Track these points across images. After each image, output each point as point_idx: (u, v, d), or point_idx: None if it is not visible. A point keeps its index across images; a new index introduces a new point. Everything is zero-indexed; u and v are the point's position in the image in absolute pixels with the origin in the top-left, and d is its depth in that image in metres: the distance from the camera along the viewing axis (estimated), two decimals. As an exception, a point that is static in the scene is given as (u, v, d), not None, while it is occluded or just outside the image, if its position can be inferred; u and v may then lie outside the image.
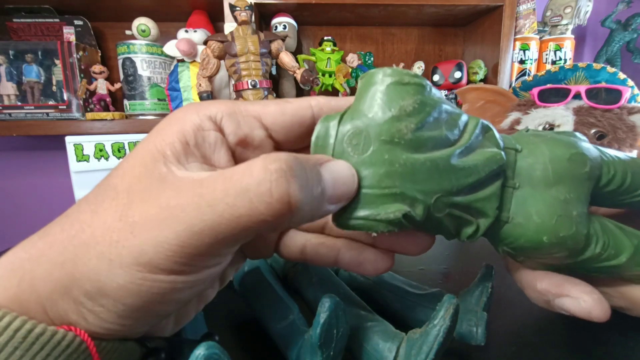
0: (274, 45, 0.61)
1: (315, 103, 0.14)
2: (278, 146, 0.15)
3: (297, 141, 0.14)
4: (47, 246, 0.12)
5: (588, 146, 0.14)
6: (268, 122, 0.14)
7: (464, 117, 0.13)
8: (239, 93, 0.60)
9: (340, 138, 0.12)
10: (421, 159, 0.12)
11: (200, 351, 0.12)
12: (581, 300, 0.15)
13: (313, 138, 0.13)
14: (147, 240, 0.11)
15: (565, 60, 0.75)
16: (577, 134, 0.15)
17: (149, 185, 0.12)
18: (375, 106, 0.12)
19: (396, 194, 0.11)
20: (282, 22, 0.74)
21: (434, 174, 0.12)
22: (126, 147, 0.52)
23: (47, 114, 0.72)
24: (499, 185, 0.13)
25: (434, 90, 0.13)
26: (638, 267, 0.15)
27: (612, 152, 0.15)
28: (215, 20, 0.79)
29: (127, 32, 0.74)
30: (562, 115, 0.46)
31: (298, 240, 0.17)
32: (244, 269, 0.26)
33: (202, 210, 0.10)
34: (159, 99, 0.76)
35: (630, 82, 0.47)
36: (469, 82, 0.77)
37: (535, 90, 0.49)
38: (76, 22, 0.76)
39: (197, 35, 0.71)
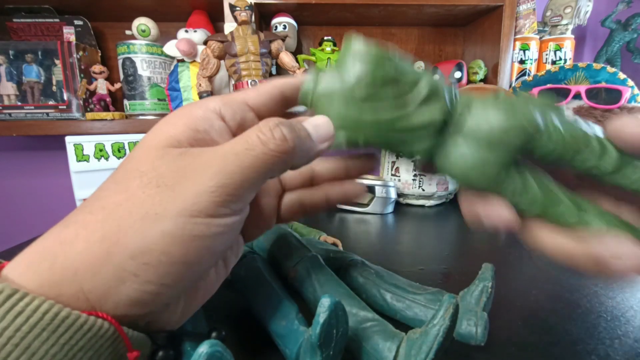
0: (274, 45, 0.61)
1: (280, 83, 0.18)
2: None
3: (275, 114, 0.18)
4: (80, 228, 0.13)
5: (539, 119, 0.15)
6: (252, 104, 0.17)
7: (422, 83, 0.16)
8: (239, 93, 0.60)
9: (316, 94, 0.17)
10: (366, 107, 0.16)
11: (203, 349, 0.12)
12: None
13: (300, 94, 0.17)
14: (188, 191, 0.13)
15: (565, 60, 0.75)
16: (556, 106, 0.16)
17: (172, 160, 0.14)
18: (342, 72, 0.16)
19: (347, 127, 0.16)
20: (282, 22, 0.74)
21: (375, 117, 0.16)
22: (126, 147, 0.52)
23: (47, 114, 0.72)
24: (435, 130, 0.16)
25: (397, 61, 0.16)
26: (548, 217, 0.16)
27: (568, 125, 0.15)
28: (215, 20, 0.79)
29: (127, 32, 0.74)
30: (562, 115, 0.46)
31: (294, 199, 0.21)
32: (243, 269, 0.26)
33: (229, 158, 0.14)
34: (159, 99, 0.76)
35: (630, 82, 0.47)
36: (469, 82, 0.77)
37: (535, 90, 0.49)
38: (76, 22, 0.76)
39: (197, 35, 0.71)
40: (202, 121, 0.15)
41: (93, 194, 0.14)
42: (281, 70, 0.75)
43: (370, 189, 0.54)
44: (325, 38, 0.75)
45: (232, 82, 0.62)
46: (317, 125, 0.16)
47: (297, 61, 0.65)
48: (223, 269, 0.19)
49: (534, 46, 0.75)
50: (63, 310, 0.11)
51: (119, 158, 0.51)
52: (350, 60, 0.16)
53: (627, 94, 0.44)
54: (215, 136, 0.15)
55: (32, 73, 0.71)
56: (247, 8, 0.57)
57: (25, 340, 0.10)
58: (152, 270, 0.13)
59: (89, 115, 0.72)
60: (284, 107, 0.18)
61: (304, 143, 0.15)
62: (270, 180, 0.20)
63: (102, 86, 0.77)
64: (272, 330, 0.20)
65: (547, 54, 0.76)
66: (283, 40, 0.62)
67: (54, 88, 0.72)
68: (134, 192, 0.13)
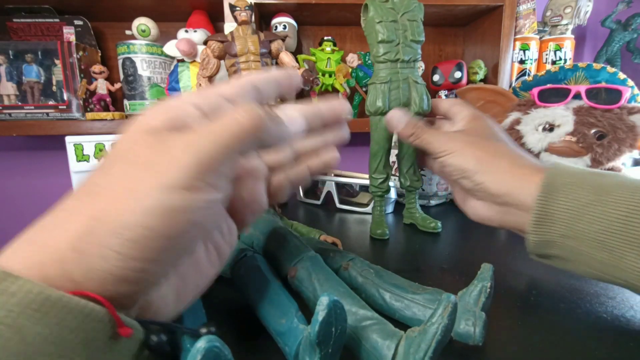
0: (274, 45, 0.61)
1: (255, 79, 0.19)
2: None
3: None
4: (64, 212, 0.14)
5: None
6: (227, 98, 0.18)
7: None
8: (238, 93, 0.60)
9: None
10: None
11: (201, 344, 0.13)
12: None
13: None
14: (169, 167, 0.14)
15: (565, 60, 0.75)
16: None
17: (150, 142, 0.14)
18: None
19: None
20: (282, 22, 0.74)
21: None
22: (126, 147, 0.51)
23: (47, 114, 0.72)
24: None
25: None
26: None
27: None
28: (215, 20, 0.79)
29: (127, 32, 0.74)
30: (562, 115, 0.46)
31: (281, 178, 0.22)
32: (243, 267, 0.26)
33: (207, 136, 0.14)
34: (159, 99, 0.76)
35: (630, 82, 0.47)
36: (469, 82, 0.77)
37: (535, 90, 0.49)
38: (76, 22, 0.76)
39: (197, 35, 0.71)
40: (179, 111, 0.15)
41: (84, 182, 0.15)
42: (281, 70, 0.75)
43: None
44: (325, 38, 0.75)
45: (232, 82, 0.63)
46: (289, 113, 0.18)
47: (297, 61, 0.65)
48: (217, 260, 0.19)
49: (534, 46, 0.75)
50: (51, 291, 0.11)
51: (118, 158, 0.51)
52: None
53: (627, 94, 0.44)
54: (192, 124, 0.16)
55: (32, 73, 0.71)
56: (247, 8, 0.57)
57: (17, 321, 0.10)
58: (135, 246, 0.13)
59: (89, 115, 0.72)
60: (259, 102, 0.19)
61: (275, 121, 0.17)
62: (258, 165, 0.21)
63: (102, 86, 0.77)
64: (272, 328, 0.20)
65: (547, 54, 0.76)
66: (283, 40, 0.62)
67: (54, 88, 0.72)
68: (114, 174, 0.14)
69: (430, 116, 0.38)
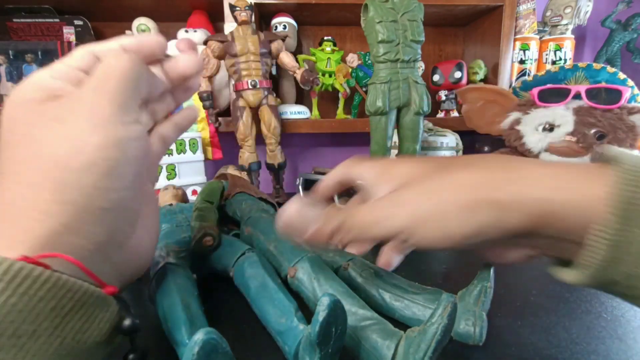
0: (274, 45, 0.61)
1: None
2: None
3: None
4: (12, 182, 0.15)
5: None
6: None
7: None
8: (239, 93, 0.60)
9: None
10: None
11: (199, 336, 0.13)
12: None
13: None
14: (94, 112, 0.16)
15: (565, 60, 0.75)
16: None
17: (54, 106, 0.16)
18: None
19: None
20: (282, 22, 0.74)
21: None
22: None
23: (47, 114, 0.72)
24: None
25: None
26: None
27: None
28: (215, 20, 0.79)
29: (127, 32, 0.74)
30: (562, 115, 0.46)
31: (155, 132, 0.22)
32: (242, 266, 0.26)
33: (104, 81, 0.16)
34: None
35: (630, 82, 0.47)
36: (469, 82, 0.77)
37: (535, 90, 0.49)
38: (76, 22, 0.76)
39: (197, 35, 0.71)
40: (46, 83, 0.16)
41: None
42: (281, 70, 0.75)
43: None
44: (325, 38, 0.75)
45: (232, 82, 0.63)
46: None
47: (297, 61, 0.65)
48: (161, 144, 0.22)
49: (534, 46, 0.75)
50: (15, 263, 0.12)
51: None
52: None
53: (627, 94, 0.44)
54: (64, 91, 0.16)
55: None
56: (247, 8, 0.57)
57: None
58: (108, 178, 0.15)
59: (89, 115, 0.72)
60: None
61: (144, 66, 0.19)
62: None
63: (102, 86, 0.77)
64: (272, 328, 0.21)
65: (547, 54, 0.76)
66: (283, 40, 0.62)
67: (54, 88, 0.72)
68: (43, 134, 0.15)
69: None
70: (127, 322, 0.15)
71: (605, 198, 0.13)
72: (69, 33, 0.76)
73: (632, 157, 0.14)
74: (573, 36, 0.76)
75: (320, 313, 0.15)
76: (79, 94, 0.16)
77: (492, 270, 0.22)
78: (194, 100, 0.66)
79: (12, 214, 0.14)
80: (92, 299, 0.13)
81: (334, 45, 0.75)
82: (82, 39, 0.77)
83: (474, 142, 0.77)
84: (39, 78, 0.16)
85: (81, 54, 0.18)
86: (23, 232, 0.13)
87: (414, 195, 0.16)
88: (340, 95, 0.77)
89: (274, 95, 0.63)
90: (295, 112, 0.71)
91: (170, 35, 0.76)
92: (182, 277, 0.24)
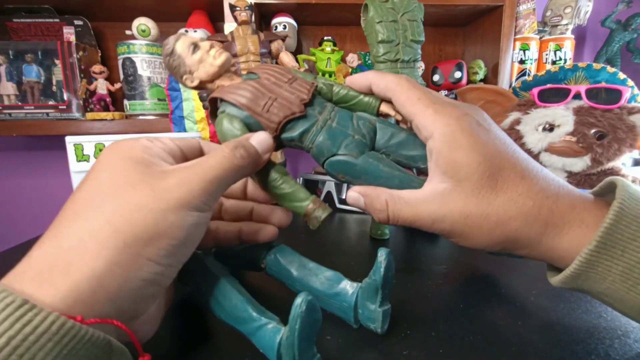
0: (274, 45, 0.61)
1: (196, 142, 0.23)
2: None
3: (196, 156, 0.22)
4: (81, 230, 0.15)
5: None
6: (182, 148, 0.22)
7: None
8: (239, 93, 0.60)
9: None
10: None
11: (302, 297, 0.16)
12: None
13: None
14: (183, 193, 0.17)
15: (565, 60, 0.75)
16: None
17: (154, 170, 0.17)
18: None
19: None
20: (282, 22, 0.74)
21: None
22: (126, 147, 0.51)
23: (47, 114, 0.72)
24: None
25: None
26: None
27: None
28: (215, 20, 0.79)
29: (127, 32, 0.74)
30: (562, 115, 0.46)
31: (211, 227, 0.25)
32: (277, 255, 0.26)
33: (206, 170, 0.18)
34: (159, 99, 0.76)
35: (630, 82, 0.47)
36: (469, 82, 0.77)
37: (535, 90, 0.49)
38: (76, 22, 0.76)
39: (197, 35, 0.71)
40: (151, 147, 0.19)
41: (64, 213, 0.16)
42: (281, 70, 0.75)
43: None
44: (325, 38, 0.75)
45: (232, 82, 0.63)
46: (261, 140, 0.21)
47: (297, 61, 0.65)
48: (173, 285, 0.22)
49: (534, 46, 0.75)
50: (68, 322, 0.12)
51: (119, 158, 0.51)
52: None
53: (627, 94, 0.44)
54: (158, 160, 0.18)
55: (32, 73, 0.71)
56: (247, 8, 0.57)
57: (30, 350, 0.11)
58: (164, 253, 0.16)
59: (89, 115, 0.72)
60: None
61: (254, 157, 0.20)
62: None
63: (102, 86, 0.77)
64: (324, 295, 0.23)
65: (547, 54, 0.76)
66: (283, 40, 0.62)
67: (54, 88, 0.72)
68: (131, 194, 0.16)
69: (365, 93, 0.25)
70: None
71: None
72: (69, 33, 0.76)
73: (629, 194, 0.18)
74: (573, 36, 0.76)
75: (382, 262, 0.21)
76: (176, 170, 0.18)
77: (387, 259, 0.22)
78: (194, 100, 0.66)
79: (62, 257, 0.14)
80: (114, 356, 0.14)
81: (334, 45, 0.75)
82: (82, 39, 0.77)
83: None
84: (144, 141, 0.19)
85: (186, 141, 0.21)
86: (63, 277, 0.13)
87: (469, 208, 0.19)
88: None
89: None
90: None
91: (170, 35, 0.76)
92: (219, 266, 0.24)
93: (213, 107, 0.26)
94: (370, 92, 0.24)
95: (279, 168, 0.23)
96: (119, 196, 0.16)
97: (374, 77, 0.23)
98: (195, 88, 0.25)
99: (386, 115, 0.25)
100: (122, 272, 0.14)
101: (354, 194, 0.22)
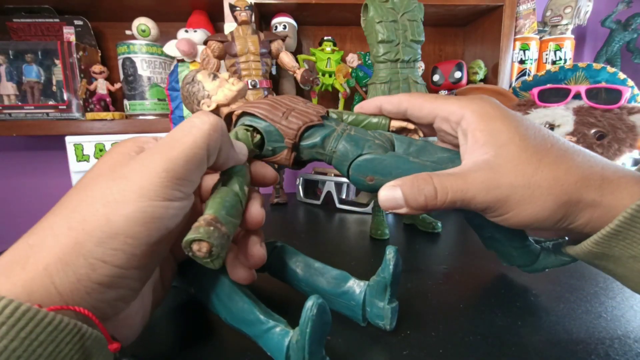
0: (274, 45, 0.61)
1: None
2: None
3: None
4: (47, 229, 0.14)
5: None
6: None
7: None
8: (239, 93, 0.60)
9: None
10: None
11: (313, 300, 0.16)
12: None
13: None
14: (142, 178, 0.14)
15: (565, 60, 0.75)
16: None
17: (125, 161, 0.16)
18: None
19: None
20: (282, 22, 0.74)
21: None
22: (126, 147, 0.51)
23: (47, 114, 0.72)
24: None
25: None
26: None
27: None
28: (215, 20, 0.79)
29: (127, 32, 0.74)
30: (562, 115, 0.46)
31: None
32: (281, 255, 0.26)
33: (172, 145, 0.15)
34: (159, 99, 0.76)
35: (630, 82, 0.47)
36: (469, 82, 0.77)
37: (535, 90, 0.49)
38: (76, 22, 0.76)
39: (197, 35, 0.71)
40: (141, 139, 0.18)
41: (55, 206, 0.15)
42: (281, 70, 0.75)
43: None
44: (325, 38, 0.75)
45: (232, 82, 0.62)
46: (237, 144, 0.20)
47: (297, 61, 0.65)
48: (163, 286, 0.21)
49: (534, 46, 0.75)
50: (22, 305, 0.11)
51: (119, 158, 0.51)
52: None
53: (627, 94, 0.44)
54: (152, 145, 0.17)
55: (32, 73, 0.71)
56: (247, 8, 0.57)
57: None
58: (120, 254, 0.14)
59: (89, 115, 0.72)
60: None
61: (227, 135, 0.18)
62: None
63: (102, 86, 0.77)
64: (331, 294, 0.23)
65: (547, 54, 0.76)
66: (283, 40, 0.62)
67: (54, 88, 0.72)
68: (93, 188, 0.15)
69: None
70: None
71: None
72: (69, 33, 0.76)
73: None
74: (573, 36, 0.76)
75: (391, 260, 0.21)
76: (144, 152, 0.16)
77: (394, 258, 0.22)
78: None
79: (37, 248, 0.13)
80: (88, 342, 0.13)
81: (334, 45, 0.75)
82: (82, 39, 0.77)
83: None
84: (144, 137, 0.18)
85: None
86: (23, 269, 0.13)
87: (522, 167, 0.18)
88: (340, 95, 0.77)
89: (274, 95, 0.63)
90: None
91: (170, 35, 0.76)
92: (223, 267, 0.23)
93: (228, 125, 0.27)
94: (379, 114, 0.26)
95: (234, 184, 0.19)
96: (83, 189, 0.15)
97: (383, 97, 0.25)
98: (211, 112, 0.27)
99: (398, 132, 0.26)
100: (74, 273, 0.13)
101: (387, 190, 0.20)
